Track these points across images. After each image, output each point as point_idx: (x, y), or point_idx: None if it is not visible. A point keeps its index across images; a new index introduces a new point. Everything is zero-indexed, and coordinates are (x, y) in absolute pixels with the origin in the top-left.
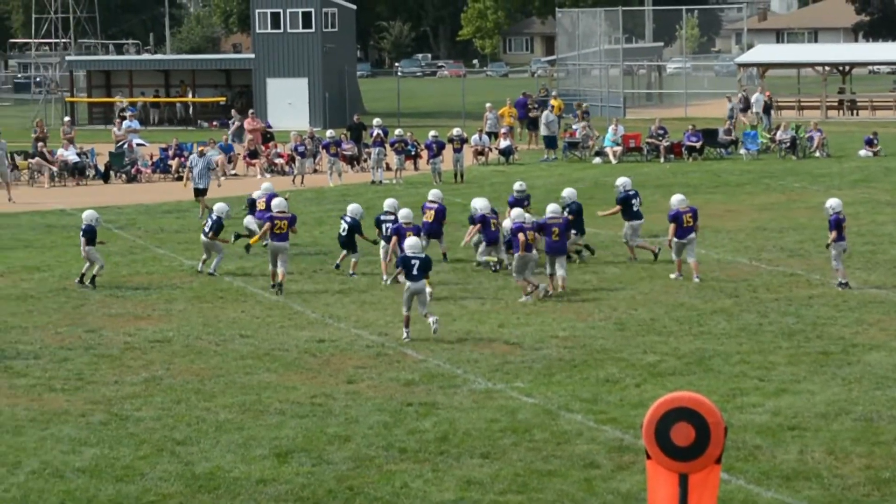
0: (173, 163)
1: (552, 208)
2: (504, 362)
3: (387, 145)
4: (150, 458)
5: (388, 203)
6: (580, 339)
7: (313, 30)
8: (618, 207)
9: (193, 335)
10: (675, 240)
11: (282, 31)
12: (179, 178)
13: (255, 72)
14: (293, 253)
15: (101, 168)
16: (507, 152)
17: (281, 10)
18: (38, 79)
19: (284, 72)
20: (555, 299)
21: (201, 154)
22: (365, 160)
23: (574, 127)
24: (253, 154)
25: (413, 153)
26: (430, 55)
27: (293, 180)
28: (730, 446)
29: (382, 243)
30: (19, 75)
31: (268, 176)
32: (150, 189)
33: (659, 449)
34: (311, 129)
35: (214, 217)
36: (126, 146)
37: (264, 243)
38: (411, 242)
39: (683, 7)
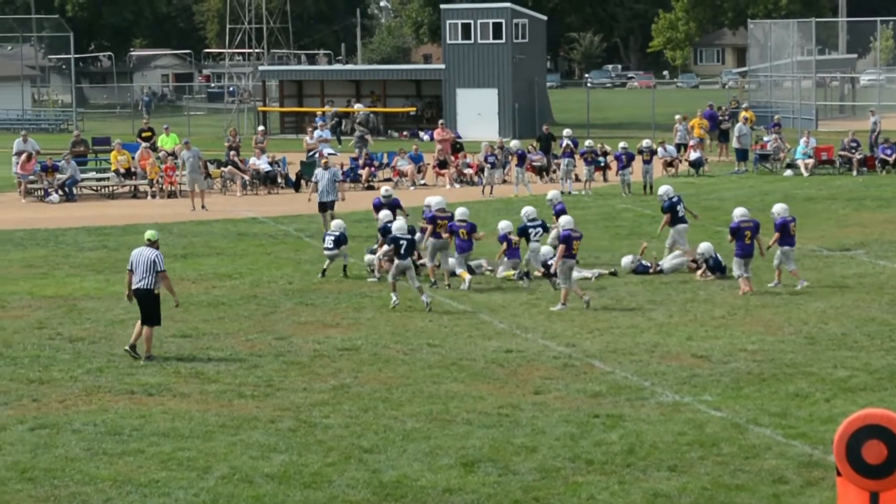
0: (363, 172)
1: (740, 212)
2: (692, 375)
3: (576, 156)
4: (338, 466)
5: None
6: (769, 353)
7: (503, 40)
8: (667, 217)
9: (381, 343)
10: (779, 247)
11: (472, 41)
12: (370, 188)
13: (445, 82)
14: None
15: (293, 177)
16: (697, 164)
17: (472, 21)
18: (231, 88)
19: (474, 82)
20: (743, 312)
21: (326, 167)
22: (554, 171)
23: (765, 139)
24: (442, 164)
25: (603, 164)
26: (620, 66)
27: (482, 191)
28: None
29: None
30: (213, 85)
31: (457, 186)
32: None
33: (850, 466)
34: (500, 140)
35: (338, 233)
36: (317, 155)
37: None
38: (398, 224)
39: (878, 18)
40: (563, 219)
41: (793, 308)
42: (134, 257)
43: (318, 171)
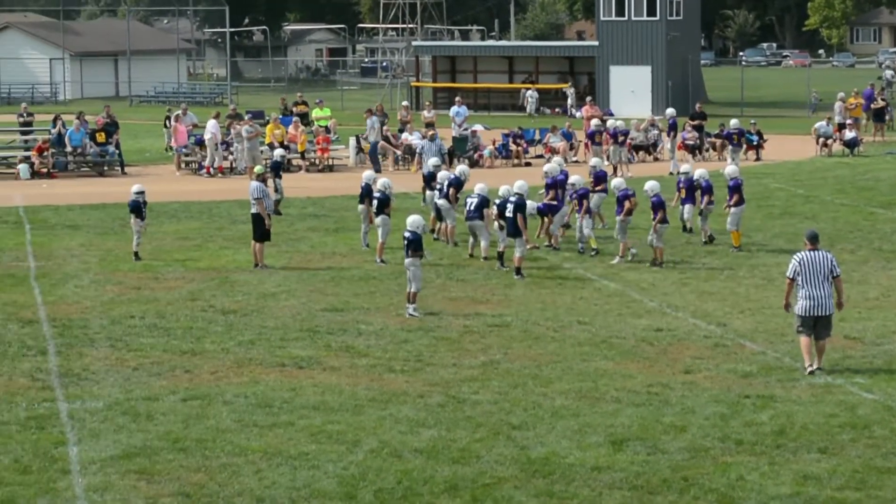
0: (515, 148)
1: None
2: (844, 357)
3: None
4: (486, 442)
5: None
6: None
7: (658, 18)
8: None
9: (531, 320)
10: None
11: (626, 18)
12: (525, 164)
13: (598, 59)
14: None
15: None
16: (852, 144)
17: None
18: (384, 63)
19: (628, 59)
20: None
21: (431, 139)
22: (707, 149)
23: None
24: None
25: (756, 143)
26: (774, 44)
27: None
28: None
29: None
30: (366, 60)
31: (606, 163)
32: (491, 174)
33: None
34: (652, 117)
35: (479, 198)
36: (469, 131)
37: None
38: (411, 220)
39: None
40: (649, 184)
41: None
42: None
43: (425, 142)
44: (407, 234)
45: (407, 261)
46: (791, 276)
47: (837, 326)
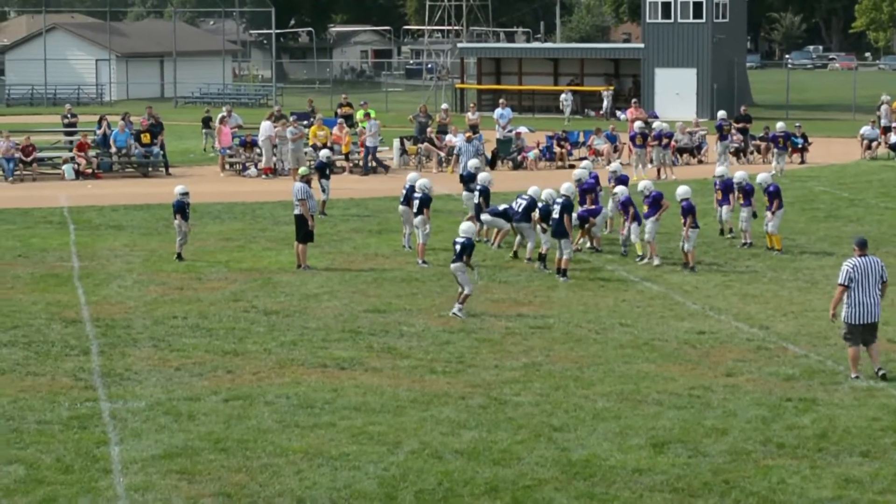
0: (559, 150)
1: None
2: (887, 360)
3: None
4: (528, 443)
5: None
6: None
7: (704, 20)
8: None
9: (573, 322)
10: None
11: (672, 21)
12: (569, 167)
13: (643, 61)
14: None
15: (488, 155)
16: None
17: (672, 0)
18: (429, 65)
19: (673, 62)
20: None
21: (469, 140)
22: (752, 152)
23: None
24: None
25: (801, 146)
26: (821, 47)
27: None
28: None
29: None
30: (411, 61)
31: (649, 167)
32: (535, 177)
33: None
34: (696, 119)
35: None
36: (513, 133)
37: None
38: (464, 227)
39: None
40: (680, 189)
41: None
42: None
43: (461, 143)
44: (461, 240)
45: (453, 265)
46: (845, 283)
47: (881, 330)
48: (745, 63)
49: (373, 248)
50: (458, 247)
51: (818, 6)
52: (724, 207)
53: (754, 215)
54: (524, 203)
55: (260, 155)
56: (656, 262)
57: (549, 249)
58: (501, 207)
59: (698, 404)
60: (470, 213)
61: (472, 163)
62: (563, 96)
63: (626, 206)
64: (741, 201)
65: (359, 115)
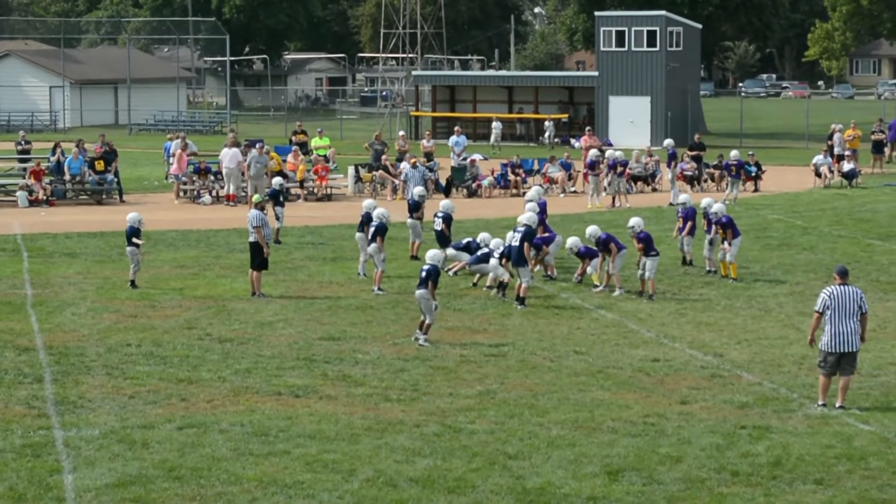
0: (513, 178)
1: None
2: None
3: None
4: (482, 471)
5: (482, 237)
6: None
7: (658, 48)
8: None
9: (528, 350)
10: None
11: (626, 49)
12: (523, 194)
13: (598, 89)
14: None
15: (443, 182)
16: (850, 175)
17: (626, 29)
18: (384, 93)
19: (627, 90)
20: (894, 325)
21: (414, 166)
22: (705, 180)
23: None
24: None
25: (754, 174)
26: (774, 75)
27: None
28: None
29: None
30: (366, 89)
31: (604, 194)
32: (489, 204)
33: None
34: (649, 148)
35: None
36: (468, 161)
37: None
38: (430, 254)
39: None
40: (633, 220)
41: None
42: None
43: (408, 170)
44: (426, 267)
45: (418, 293)
46: (820, 310)
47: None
48: (699, 91)
49: (327, 276)
50: (423, 273)
51: (771, 35)
52: (686, 238)
53: (710, 243)
54: (482, 253)
55: (213, 182)
56: (617, 293)
57: (510, 279)
58: (465, 241)
59: (653, 432)
60: (412, 238)
61: (417, 191)
62: (494, 123)
63: (606, 244)
64: (705, 228)
65: (313, 142)
